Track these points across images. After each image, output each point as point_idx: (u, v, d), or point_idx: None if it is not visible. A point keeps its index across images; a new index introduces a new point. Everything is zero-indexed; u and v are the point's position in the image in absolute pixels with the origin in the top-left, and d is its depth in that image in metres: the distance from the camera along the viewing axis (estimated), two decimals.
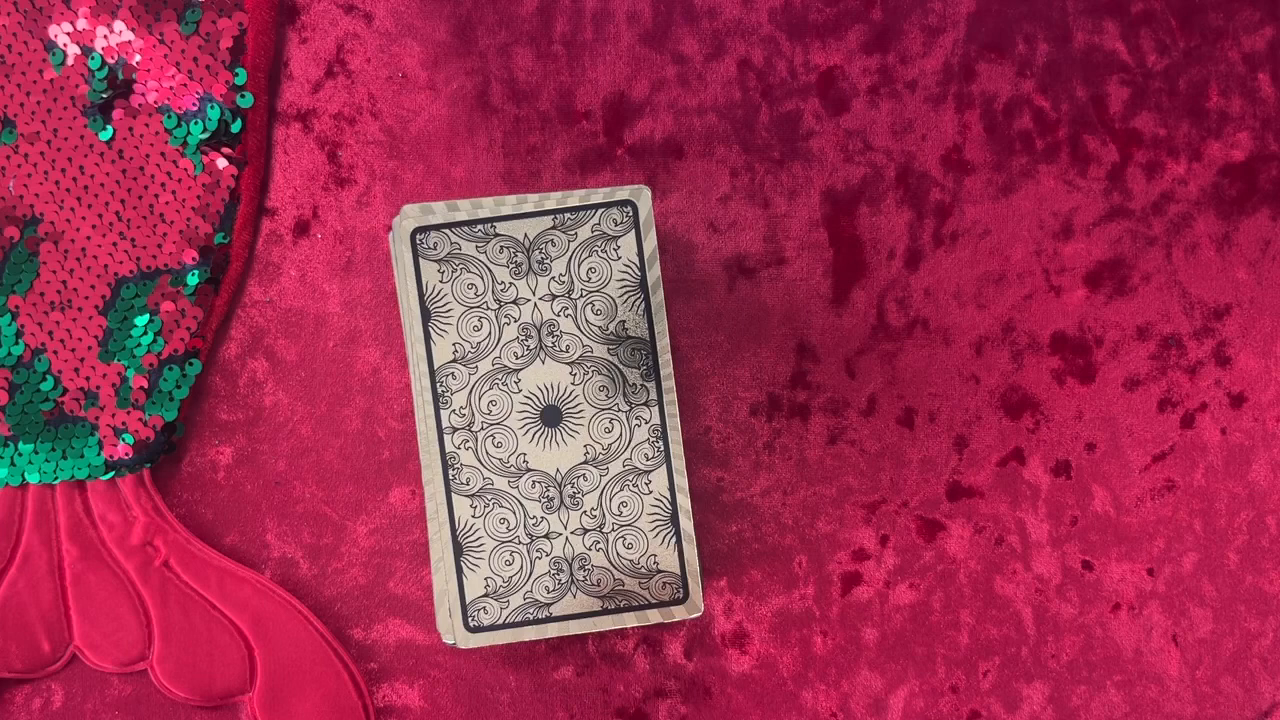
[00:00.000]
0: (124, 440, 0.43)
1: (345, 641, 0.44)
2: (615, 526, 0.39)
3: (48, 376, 0.43)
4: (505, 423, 0.39)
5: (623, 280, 0.39)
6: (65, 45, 0.43)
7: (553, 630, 0.39)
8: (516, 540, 0.39)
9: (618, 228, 0.39)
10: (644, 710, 0.44)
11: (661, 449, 0.39)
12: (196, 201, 0.43)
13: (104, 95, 0.43)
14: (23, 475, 0.43)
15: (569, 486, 0.39)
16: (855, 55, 0.44)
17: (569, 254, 0.39)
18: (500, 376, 0.39)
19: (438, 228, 0.38)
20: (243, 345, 0.44)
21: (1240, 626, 0.45)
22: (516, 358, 0.39)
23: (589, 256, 0.39)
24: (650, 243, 0.39)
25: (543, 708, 0.44)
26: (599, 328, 0.39)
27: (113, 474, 0.43)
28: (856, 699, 0.44)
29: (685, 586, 0.39)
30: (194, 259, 0.43)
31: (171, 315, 0.43)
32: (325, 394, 0.44)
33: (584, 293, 0.39)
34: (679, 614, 0.39)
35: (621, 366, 0.39)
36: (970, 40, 0.44)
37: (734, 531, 0.44)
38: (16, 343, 0.43)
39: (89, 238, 0.43)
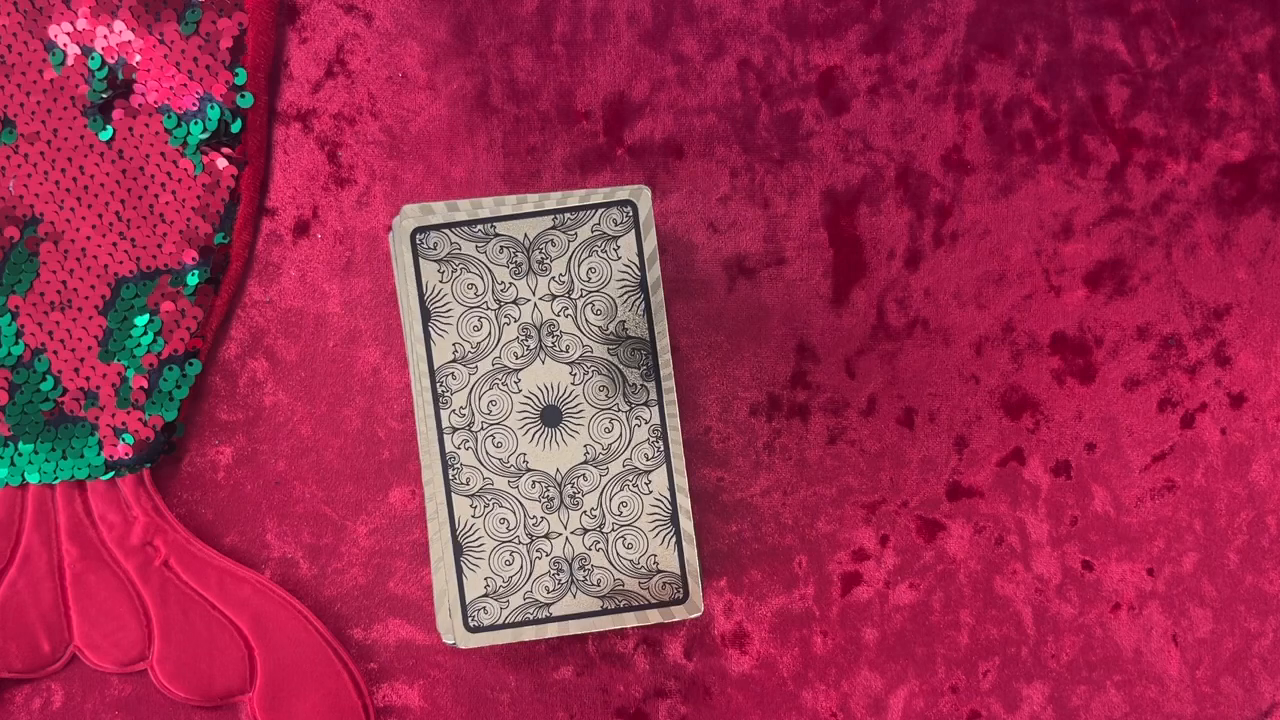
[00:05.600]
0: (124, 440, 0.43)
1: (345, 641, 0.44)
2: (615, 526, 0.39)
3: (48, 376, 0.43)
4: (505, 423, 0.39)
5: (623, 280, 0.39)
6: (65, 45, 0.43)
7: (553, 630, 0.39)
8: (516, 540, 0.39)
9: (618, 228, 0.39)
10: (644, 710, 0.44)
11: (661, 449, 0.39)
12: (196, 201, 0.43)
13: (104, 95, 0.43)
14: (23, 475, 0.43)
15: (569, 486, 0.39)
16: (855, 55, 0.44)
17: (569, 254, 0.39)
18: (500, 376, 0.39)
19: (438, 228, 0.38)
20: (243, 345, 0.44)
21: (1240, 626, 0.45)
22: (516, 358, 0.39)
23: (589, 256, 0.39)
24: (650, 243, 0.39)
25: (543, 708, 0.44)
26: (599, 328, 0.39)
27: (113, 474, 0.43)
28: (856, 699, 0.44)
29: (685, 586, 0.39)
30: (194, 259, 0.43)
31: (171, 315, 0.43)
32: (325, 394, 0.44)
33: (584, 293, 0.39)
34: (679, 614, 0.39)
35: (621, 366, 0.39)
36: (970, 40, 0.44)
37: (734, 531, 0.44)
38: (16, 343, 0.43)
39: (89, 238, 0.43)
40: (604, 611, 0.39)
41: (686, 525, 0.39)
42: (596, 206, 0.39)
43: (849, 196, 0.44)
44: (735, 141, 0.44)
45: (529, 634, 0.39)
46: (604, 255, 0.39)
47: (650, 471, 0.39)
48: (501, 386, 0.39)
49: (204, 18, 0.43)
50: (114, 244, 0.43)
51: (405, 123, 0.44)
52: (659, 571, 0.39)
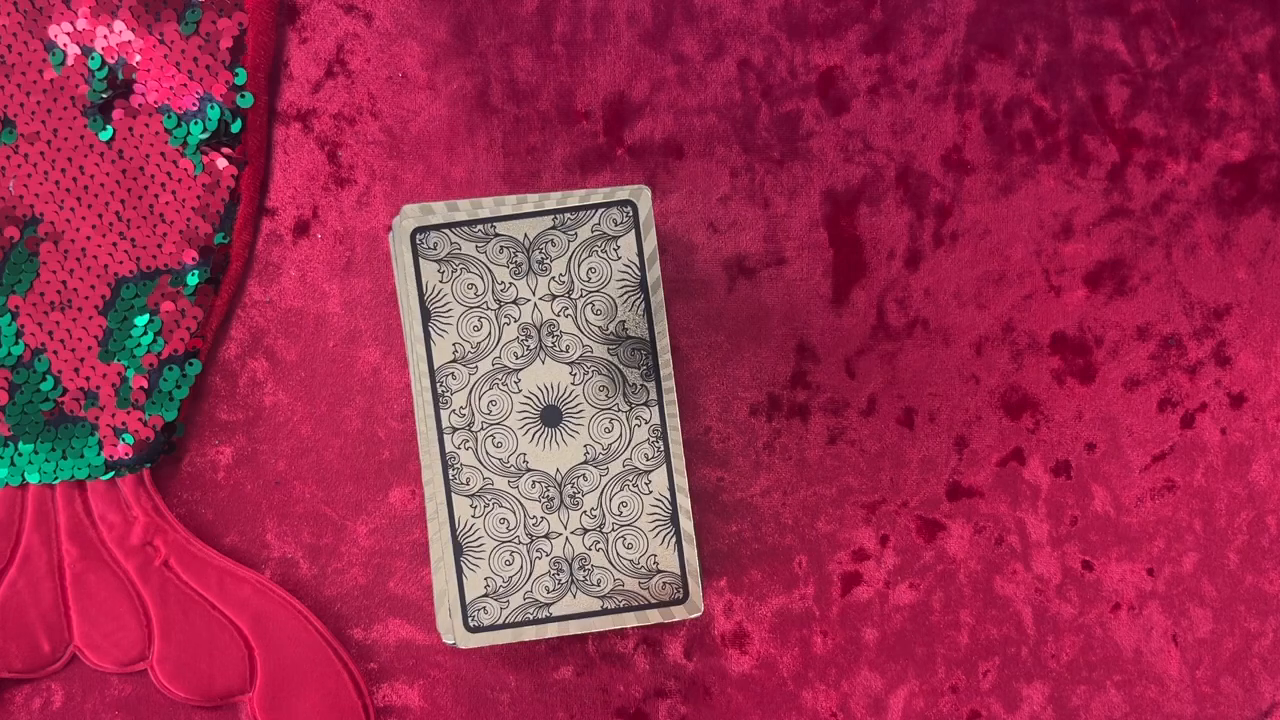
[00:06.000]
0: (124, 440, 0.43)
1: (345, 641, 0.44)
2: (615, 526, 0.39)
3: (48, 376, 0.43)
4: (505, 423, 0.39)
5: (623, 280, 0.39)
6: (65, 45, 0.43)
7: (553, 630, 0.39)
8: (516, 540, 0.39)
9: (618, 228, 0.39)
10: (644, 710, 0.44)
11: (661, 449, 0.39)
12: (196, 201, 0.43)
13: (104, 95, 0.43)
14: (23, 475, 0.43)
15: (569, 486, 0.39)
16: (855, 55, 0.44)
17: (569, 254, 0.39)
18: (500, 376, 0.39)
19: (438, 228, 0.38)
20: (243, 345, 0.44)
21: (1240, 626, 0.45)
22: (516, 358, 0.39)
23: (589, 256, 0.39)
24: (650, 243, 0.39)
25: (543, 708, 0.44)
26: (599, 328, 0.39)
27: (113, 474, 0.43)
28: (856, 699, 0.44)
29: (685, 586, 0.39)
30: (194, 259, 0.43)
31: (171, 315, 0.43)
32: (325, 394, 0.44)
33: (584, 293, 0.39)
34: (679, 614, 0.39)
35: (621, 366, 0.39)
36: (970, 40, 0.44)
37: (734, 531, 0.44)
38: (16, 343, 0.43)
39: (89, 238, 0.43)
40: (604, 611, 0.39)
41: (686, 525, 0.39)
42: (596, 206, 0.39)
43: (849, 196, 0.44)
44: (735, 141, 0.44)
45: (529, 634, 0.39)
46: (604, 255, 0.39)
47: (650, 471, 0.39)
48: (501, 386, 0.39)
49: (204, 18, 0.43)
50: (114, 244, 0.43)
51: (405, 123, 0.44)
52: (659, 571, 0.39)
